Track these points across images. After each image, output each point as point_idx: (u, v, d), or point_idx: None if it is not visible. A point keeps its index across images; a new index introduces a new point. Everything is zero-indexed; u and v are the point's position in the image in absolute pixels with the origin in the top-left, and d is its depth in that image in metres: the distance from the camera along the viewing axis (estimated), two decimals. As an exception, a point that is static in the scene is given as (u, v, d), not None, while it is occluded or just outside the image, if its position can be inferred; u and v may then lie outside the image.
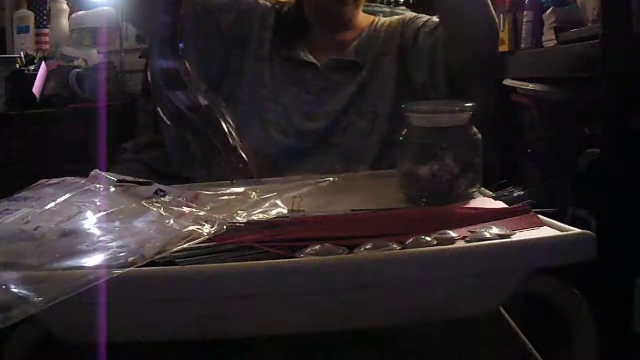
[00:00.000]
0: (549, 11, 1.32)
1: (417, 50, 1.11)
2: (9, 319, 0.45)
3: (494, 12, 1.02)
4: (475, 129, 0.73)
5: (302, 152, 1.08)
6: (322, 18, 1.17)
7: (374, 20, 1.21)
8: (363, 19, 1.22)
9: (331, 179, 0.82)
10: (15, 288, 0.47)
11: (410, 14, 1.23)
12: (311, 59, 1.14)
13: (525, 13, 1.44)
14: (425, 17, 1.16)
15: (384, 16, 1.25)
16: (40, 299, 0.46)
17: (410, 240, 0.55)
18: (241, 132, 1.08)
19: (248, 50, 1.16)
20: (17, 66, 2.36)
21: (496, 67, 1.13)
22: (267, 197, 0.72)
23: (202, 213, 0.68)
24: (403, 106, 0.75)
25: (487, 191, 0.74)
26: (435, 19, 1.13)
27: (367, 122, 1.09)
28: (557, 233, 0.56)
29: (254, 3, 1.20)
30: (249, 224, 0.64)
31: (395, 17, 1.22)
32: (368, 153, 1.07)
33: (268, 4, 1.22)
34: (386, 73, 1.12)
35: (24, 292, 0.47)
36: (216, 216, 0.66)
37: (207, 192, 0.81)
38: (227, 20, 1.15)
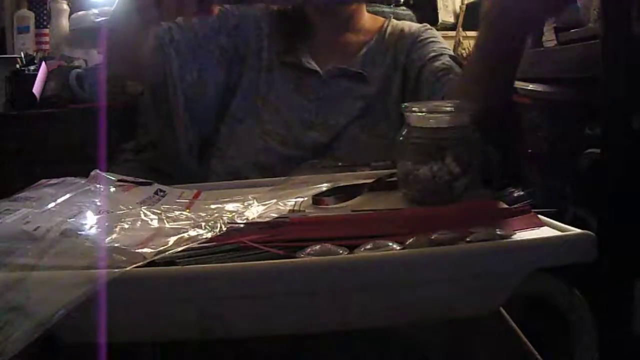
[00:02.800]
0: (549, 11, 1.31)
1: (417, 87, 1.06)
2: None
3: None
4: (475, 129, 0.73)
5: (300, 163, 1.03)
6: (321, 14, 1.12)
7: (383, 24, 1.16)
8: (370, 20, 1.17)
9: (328, 184, 0.81)
10: (14, 300, 0.47)
11: (422, 30, 1.15)
12: (313, 65, 1.11)
13: (526, 13, 1.43)
14: (436, 45, 1.10)
15: (395, 18, 1.20)
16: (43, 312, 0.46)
17: (410, 240, 0.55)
18: (240, 143, 1.08)
19: (245, 63, 1.13)
20: (17, 66, 2.36)
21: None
22: (267, 204, 0.72)
23: (202, 213, 0.68)
24: (403, 106, 0.74)
25: (487, 191, 0.74)
26: (446, 52, 1.07)
27: (369, 137, 1.06)
28: (557, 233, 0.56)
29: (243, 13, 1.15)
30: (249, 224, 0.64)
31: (408, 26, 1.16)
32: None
33: (259, 7, 1.18)
34: (394, 94, 1.08)
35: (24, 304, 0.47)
36: (216, 216, 0.66)
37: (207, 192, 0.81)
38: (220, 45, 1.11)
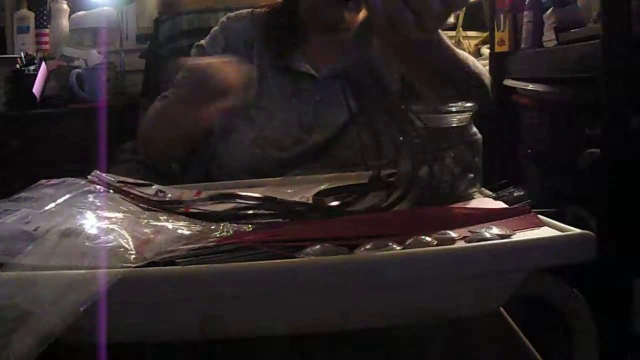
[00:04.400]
0: (549, 11, 1.32)
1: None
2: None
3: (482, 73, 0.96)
4: (475, 129, 0.73)
5: (299, 166, 1.03)
6: (319, 21, 1.12)
7: None
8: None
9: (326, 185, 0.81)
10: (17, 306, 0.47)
11: None
12: (308, 68, 1.10)
13: (525, 13, 1.44)
14: None
15: None
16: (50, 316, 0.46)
17: (410, 240, 0.55)
18: (234, 151, 1.07)
19: None
20: (17, 66, 2.36)
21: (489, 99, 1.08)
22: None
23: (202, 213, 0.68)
24: (402, 106, 0.74)
25: (487, 191, 0.74)
26: None
27: (369, 136, 1.06)
28: (557, 233, 0.56)
29: (228, 33, 1.17)
30: (249, 224, 0.64)
31: None
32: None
33: (243, 16, 1.18)
34: (393, 90, 1.06)
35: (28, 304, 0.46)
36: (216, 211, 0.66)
37: (207, 192, 0.81)
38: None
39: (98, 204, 0.66)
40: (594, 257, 0.52)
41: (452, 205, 0.67)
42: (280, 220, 0.65)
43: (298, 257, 0.53)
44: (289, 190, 0.79)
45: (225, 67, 0.91)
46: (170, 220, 0.63)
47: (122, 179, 0.78)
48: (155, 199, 0.73)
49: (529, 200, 0.66)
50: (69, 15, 2.60)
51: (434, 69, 0.87)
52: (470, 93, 0.91)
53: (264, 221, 0.65)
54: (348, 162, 1.01)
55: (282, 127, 1.08)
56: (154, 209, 0.68)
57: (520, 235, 0.56)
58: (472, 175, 0.71)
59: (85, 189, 0.71)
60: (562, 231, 0.56)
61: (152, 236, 0.57)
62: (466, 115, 0.72)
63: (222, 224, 0.62)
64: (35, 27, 2.58)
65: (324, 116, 1.07)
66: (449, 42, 0.90)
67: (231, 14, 1.20)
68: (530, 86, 1.39)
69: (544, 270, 0.53)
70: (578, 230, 0.54)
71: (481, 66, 1.01)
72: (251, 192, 0.74)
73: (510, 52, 1.55)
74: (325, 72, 1.10)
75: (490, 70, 1.67)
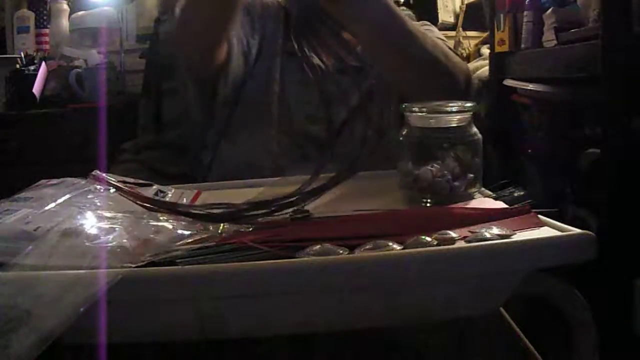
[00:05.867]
0: (549, 11, 1.31)
1: None
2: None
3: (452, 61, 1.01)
4: (475, 129, 0.73)
5: (303, 157, 1.05)
6: (323, 13, 1.14)
7: None
8: None
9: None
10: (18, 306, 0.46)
11: (420, 24, 1.18)
12: (316, 59, 1.11)
13: (525, 13, 1.44)
14: (433, 34, 1.12)
15: None
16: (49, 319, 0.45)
17: (410, 240, 0.55)
18: (247, 130, 1.09)
19: (261, 50, 1.15)
20: (17, 66, 2.36)
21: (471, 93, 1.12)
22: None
23: (202, 213, 0.68)
24: (402, 106, 0.74)
25: (487, 191, 0.74)
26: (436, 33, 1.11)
27: (374, 131, 1.07)
28: (557, 233, 0.56)
29: (253, 10, 1.19)
30: (250, 224, 0.64)
31: None
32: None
33: (260, 2, 1.21)
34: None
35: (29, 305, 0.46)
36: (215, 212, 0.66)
37: (207, 192, 0.81)
38: (245, 35, 1.15)
39: (98, 204, 0.66)
40: (594, 257, 0.52)
41: (452, 205, 0.67)
42: (280, 221, 0.65)
43: (298, 257, 0.53)
44: (288, 190, 0.79)
45: None
46: (170, 220, 0.63)
47: (122, 179, 0.78)
48: (156, 199, 0.73)
49: (529, 200, 0.66)
50: (69, 15, 2.60)
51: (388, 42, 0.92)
52: (441, 84, 0.93)
53: (264, 221, 0.65)
54: (348, 158, 1.02)
55: (288, 113, 1.09)
56: (154, 209, 0.68)
57: (520, 235, 0.56)
58: (472, 175, 0.71)
59: (86, 189, 0.71)
60: (562, 231, 0.56)
61: (152, 236, 0.57)
62: (466, 115, 0.72)
63: (222, 224, 0.62)
64: (35, 27, 2.58)
65: (328, 109, 1.08)
66: (415, 27, 0.92)
67: None
68: (530, 86, 1.38)
69: (544, 270, 0.53)
70: (578, 230, 0.54)
71: (457, 59, 1.03)
72: (249, 192, 0.74)
73: (510, 52, 1.54)
74: (331, 65, 1.11)
75: (490, 70, 1.67)
